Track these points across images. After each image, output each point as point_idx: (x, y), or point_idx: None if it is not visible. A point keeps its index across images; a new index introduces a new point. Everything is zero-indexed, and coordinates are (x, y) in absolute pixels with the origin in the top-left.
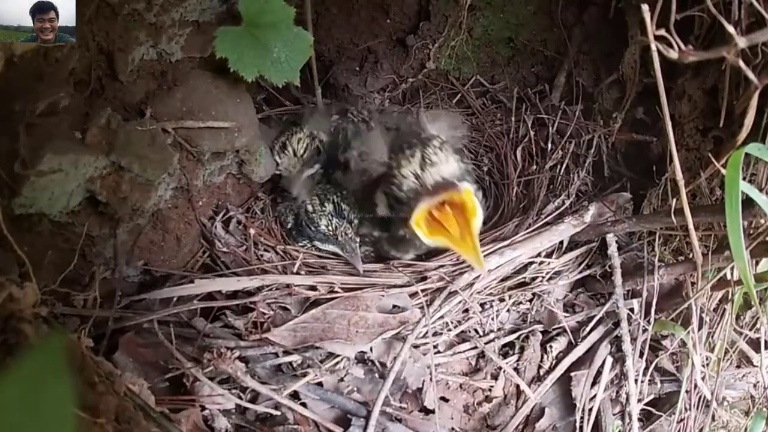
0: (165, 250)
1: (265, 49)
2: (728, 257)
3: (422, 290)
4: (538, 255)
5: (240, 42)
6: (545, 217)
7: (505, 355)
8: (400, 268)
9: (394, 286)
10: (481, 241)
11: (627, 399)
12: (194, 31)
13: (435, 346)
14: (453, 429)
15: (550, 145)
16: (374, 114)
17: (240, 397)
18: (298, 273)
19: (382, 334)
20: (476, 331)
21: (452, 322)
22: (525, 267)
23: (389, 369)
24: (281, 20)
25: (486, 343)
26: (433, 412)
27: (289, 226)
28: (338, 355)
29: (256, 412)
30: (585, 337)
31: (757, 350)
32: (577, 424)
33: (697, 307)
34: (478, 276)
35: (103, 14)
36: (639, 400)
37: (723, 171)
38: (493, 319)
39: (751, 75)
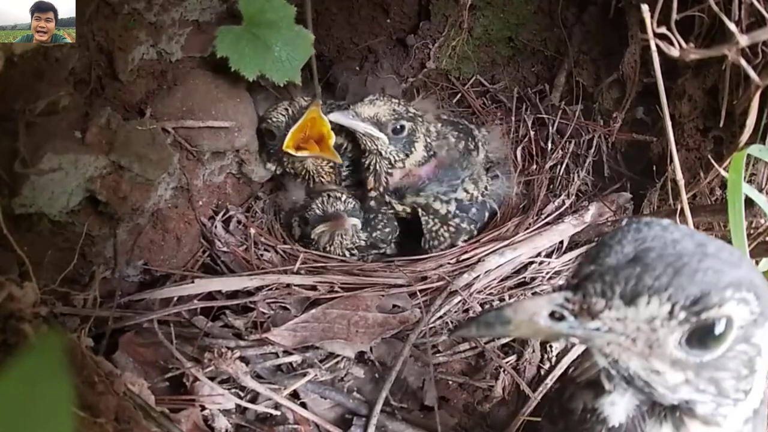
0: (165, 250)
1: (265, 48)
2: None
3: (422, 290)
4: (538, 255)
5: (240, 41)
6: (545, 217)
7: (505, 355)
8: (400, 268)
9: (394, 286)
10: (481, 241)
11: None
12: (194, 31)
13: (434, 346)
14: (453, 428)
15: (550, 145)
16: None
17: (240, 397)
18: (298, 273)
19: (382, 334)
20: None
21: (452, 322)
22: (525, 267)
23: (390, 368)
24: (282, 19)
25: (486, 343)
26: (432, 410)
27: None
28: (338, 355)
29: (256, 412)
30: None
31: None
32: None
33: None
34: (478, 276)
35: (103, 14)
36: None
37: (724, 173)
38: None
39: (752, 74)
